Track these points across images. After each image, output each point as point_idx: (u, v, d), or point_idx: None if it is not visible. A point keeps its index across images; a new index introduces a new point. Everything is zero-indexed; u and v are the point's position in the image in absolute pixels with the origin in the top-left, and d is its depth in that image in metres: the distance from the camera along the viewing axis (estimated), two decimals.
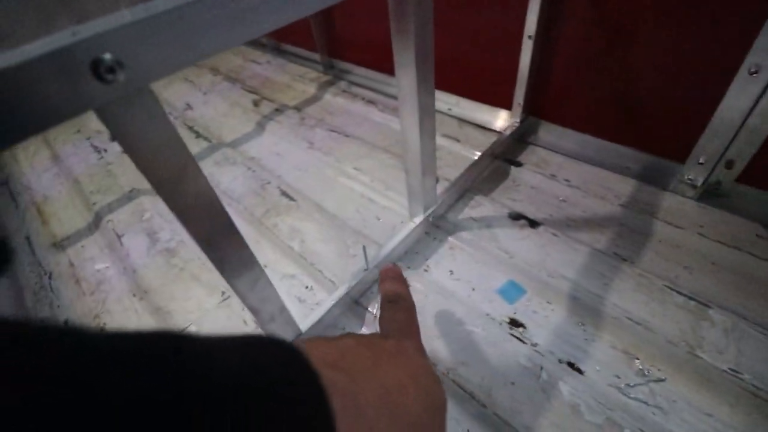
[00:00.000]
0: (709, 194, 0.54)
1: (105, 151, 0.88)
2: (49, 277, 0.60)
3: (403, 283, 0.29)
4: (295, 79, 1.02)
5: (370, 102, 0.88)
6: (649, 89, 0.54)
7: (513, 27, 0.61)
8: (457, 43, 0.71)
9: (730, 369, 0.38)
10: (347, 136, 0.79)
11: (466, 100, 0.77)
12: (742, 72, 0.44)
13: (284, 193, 0.68)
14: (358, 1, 0.81)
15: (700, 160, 0.53)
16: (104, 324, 0.52)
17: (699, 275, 0.47)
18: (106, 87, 0.19)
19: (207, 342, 0.12)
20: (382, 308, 0.27)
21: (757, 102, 0.45)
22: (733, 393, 0.37)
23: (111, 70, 0.19)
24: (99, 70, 0.19)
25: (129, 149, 0.22)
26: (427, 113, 0.44)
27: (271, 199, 0.67)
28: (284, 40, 1.14)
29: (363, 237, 0.58)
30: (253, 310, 0.34)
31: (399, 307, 0.26)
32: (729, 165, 0.51)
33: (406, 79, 0.40)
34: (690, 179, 0.55)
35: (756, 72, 0.43)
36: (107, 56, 0.19)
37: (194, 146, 0.83)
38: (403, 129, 0.46)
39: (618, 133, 0.61)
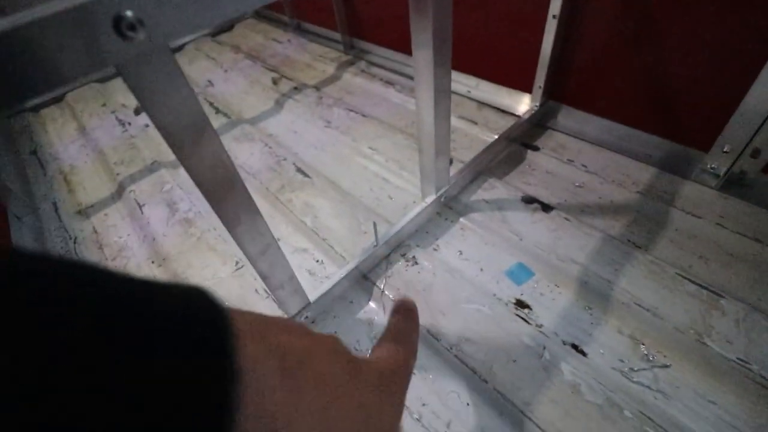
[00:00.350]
0: (732, 184, 0.53)
1: (129, 124, 0.90)
2: (74, 242, 0.63)
3: (416, 323, 0.22)
4: (316, 58, 1.02)
5: (389, 83, 0.87)
6: (676, 75, 0.52)
7: (537, 6, 0.59)
8: (478, 22, 0.70)
9: (738, 359, 0.38)
10: (364, 116, 0.79)
11: (486, 82, 0.76)
12: None
13: (299, 170, 0.69)
14: None
15: (725, 149, 0.51)
16: None
17: (714, 265, 0.46)
18: (127, 44, 0.20)
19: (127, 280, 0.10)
20: (382, 340, 0.21)
21: None
22: (739, 382, 0.37)
23: (132, 27, 0.20)
24: (120, 27, 0.19)
25: (148, 107, 0.23)
26: (443, 94, 0.44)
27: (287, 175, 0.68)
28: (306, 19, 1.14)
29: (375, 215, 0.58)
30: (263, 276, 0.35)
31: (400, 351, 0.20)
32: (755, 154, 0.49)
33: (422, 59, 0.40)
34: (713, 168, 0.53)
35: None
36: (129, 13, 0.19)
37: (214, 122, 0.83)
38: (418, 109, 0.46)
39: (640, 119, 0.59)
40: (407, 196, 0.61)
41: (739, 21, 0.44)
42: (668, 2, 0.48)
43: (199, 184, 0.27)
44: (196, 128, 0.25)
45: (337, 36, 1.01)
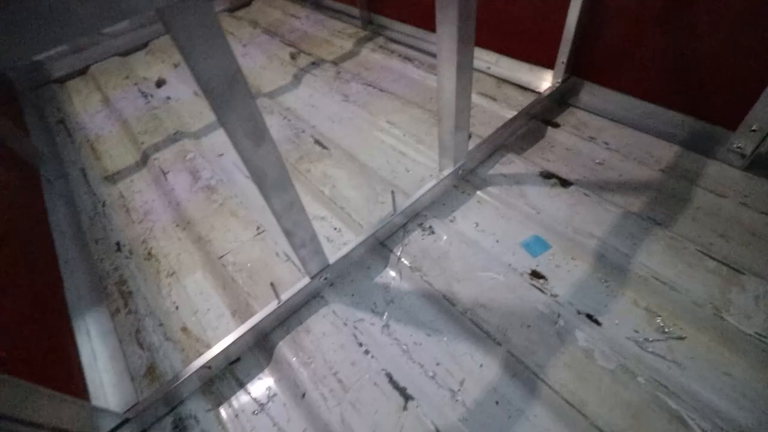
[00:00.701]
0: (759, 164, 0.52)
1: (151, 96, 0.92)
2: (103, 205, 0.65)
3: None
4: (334, 34, 1.02)
5: (407, 59, 0.87)
6: (705, 51, 0.51)
7: None
8: None
9: (756, 333, 0.38)
10: (382, 91, 0.79)
11: (507, 58, 0.75)
12: None
13: (318, 142, 0.69)
14: None
15: (753, 128, 0.50)
16: (151, 248, 0.57)
17: (736, 244, 0.45)
18: None
19: None
20: None
21: None
22: (756, 356, 0.37)
23: None
24: None
25: (187, 55, 0.23)
26: (465, 70, 0.44)
27: (305, 146, 0.69)
28: None
29: (392, 187, 0.59)
30: (287, 233, 0.37)
31: None
32: None
33: (446, 35, 0.41)
34: (739, 147, 0.52)
35: None
36: None
37: None
38: (439, 84, 0.46)
39: (665, 97, 0.58)
40: (424, 170, 0.61)
41: None
42: None
43: (231, 135, 0.27)
44: (230, 79, 0.26)
45: (356, 12, 1.01)
